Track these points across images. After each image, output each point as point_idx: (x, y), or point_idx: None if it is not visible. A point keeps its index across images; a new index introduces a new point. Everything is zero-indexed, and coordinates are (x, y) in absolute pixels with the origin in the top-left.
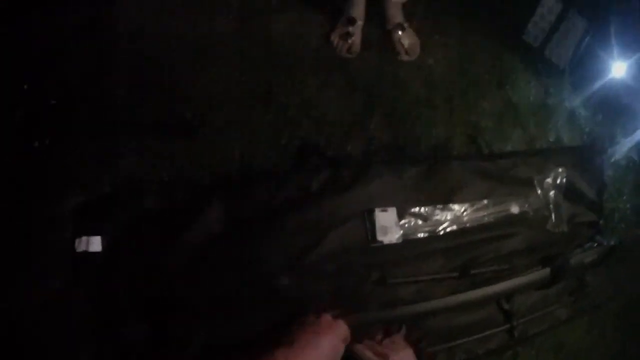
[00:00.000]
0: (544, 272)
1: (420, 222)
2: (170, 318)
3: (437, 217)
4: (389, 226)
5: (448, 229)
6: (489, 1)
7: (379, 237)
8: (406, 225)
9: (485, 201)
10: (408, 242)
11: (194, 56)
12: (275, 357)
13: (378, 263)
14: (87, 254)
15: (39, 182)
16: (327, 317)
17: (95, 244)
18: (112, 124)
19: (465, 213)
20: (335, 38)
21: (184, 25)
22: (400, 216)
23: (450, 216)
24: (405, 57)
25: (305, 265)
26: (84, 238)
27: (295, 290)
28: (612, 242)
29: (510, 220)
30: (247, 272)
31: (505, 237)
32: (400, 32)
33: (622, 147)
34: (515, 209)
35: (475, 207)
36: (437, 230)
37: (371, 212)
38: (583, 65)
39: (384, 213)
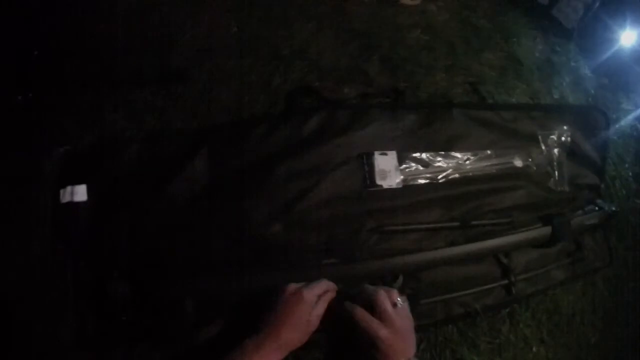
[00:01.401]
0: (544, 230)
1: (420, 167)
2: (156, 275)
3: (438, 164)
4: (389, 170)
5: (449, 177)
6: None
7: (378, 181)
8: (406, 170)
9: (488, 151)
10: (407, 188)
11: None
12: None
13: (375, 210)
14: (71, 206)
15: (22, 136)
16: (289, 290)
17: (80, 193)
18: (97, 75)
19: (466, 162)
20: None
21: None
22: (400, 161)
23: (452, 164)
24: (406, 1)
25: (296, 213)
26: (69, 188)
27: (285, 240)
28: (613, 208)
29: (512, 173)
30: (235, 224)
31: (507, 189)
32: None
33: (627, 114)
34: (517, 162)
35: (477, 156)
36: (438, 178)
37: (370, 155)
38: (592, 29)
39: (383, 156)
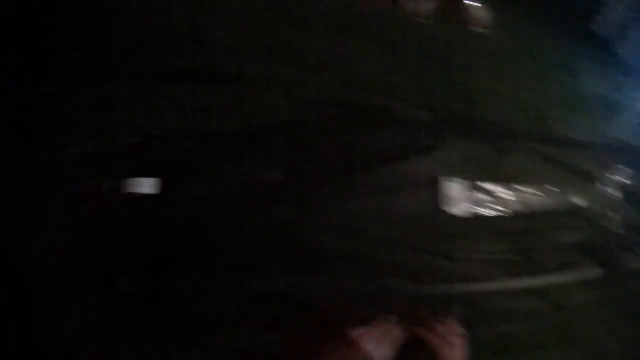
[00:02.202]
0: (597, 271)
1: (486, 197)
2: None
3: (503, 196)
4: (456, 197)
5: (512, 209)
6: None
7: (446, 207)
8: (473, 198)
9: (548, 187)
10: (471, 216)
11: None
12: None
13: (440, 235)
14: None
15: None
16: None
17: (139, 185)
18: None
19: (528, 196)
20: (405, 1)
21: None
22: (468, 189)
23: (515, 197)
24: (476, 29)
25: (365, 229)
26: (128, 179)
27: (350, 253)
28: None
29: (571, 211)
30: (296, 228)
31: (564, 227)
32: (472, 3)
33: None
34: (576, 200)
35: (538, 191)
36: (501, 209)
37: (440, 181)
38: None
39: (452, 183)
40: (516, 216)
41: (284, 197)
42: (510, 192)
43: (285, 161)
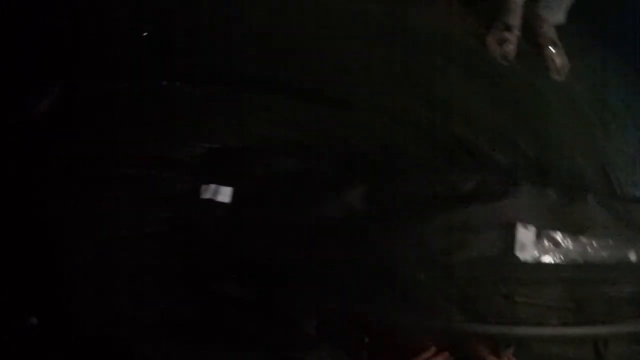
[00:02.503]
0: None
1: (552, 246)
2: (280, 287)
3: (568, 246)
4: (527, 243)
5: (574, 260)
6: (631, 35)
7: (517, 252)
8: (541, 246)
9: (610, 241)
10: (538, 263)
11: (344, 31)
12: None
13: (507, 278)
14: (208, 203)
15: (164, 124)
16: None
17: (224, 194)
18: (256, 80)
19: (591, 248)
20: (491, 41)
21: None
22: (537, 236)
23: (578, 248)
24: (554, 75)
25: (442, 266)
26: (213, 186)
27: (427, 288)
28: None
29: (626, 267)
30: (380, 258)
31: (618, 281)
32: (552, 50)
33: None
34: (632, 257)
35: (600, 244)
36: (561, 257)
37: (514, 227)
38: None
39: (524, 230)
40: (574, 265)
41: (373, 226)
42: (573, 242)
43: (377, 188)
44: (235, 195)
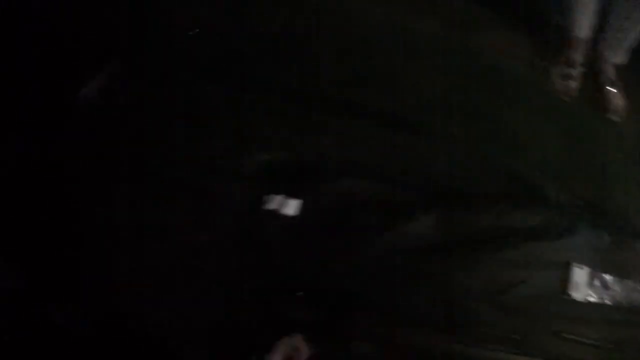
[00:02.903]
0: None
1: (601, 287)
2: (344, 312)
3: (616, 289)
4: (581, 283)
5: (620, 303)
6: None
7: (570, 291)
8: (592, 286)
9: None
10: (588, 303)
11: (421, 59)
12: None
13: (559, 316)
14: (273, 215)
15: (233, 133)
16: None
17: (291, 206)
18: (332, 100)
19: (635, 292)
20: (556, 76)
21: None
22: (590, 277)
23: (625, 292)
24: (611, 116)
25: (503, 301)
26: (280, 197)
27: (483, 320)
28: None
29: None
30: (442, 286)
31: None
32: (611, 89)
33: None
34: None
35: None
36: (612, 301)
37: (570, 266)
38: None
39: (579, 270)
40: (619, 307)
41: (437, 257)
42: (623, 287)
43: (448, 217)
44: (303, 211)
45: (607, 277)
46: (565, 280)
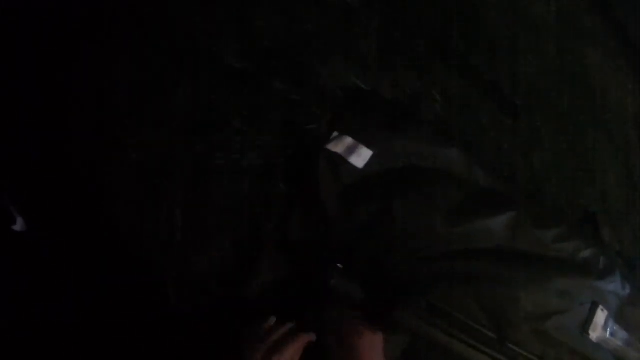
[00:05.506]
0: None
1: (611, 337)
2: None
3: (621, 336)
4: (600, 325)
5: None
6: None
7: (590, 331)
8: (607, 332)
9: None
10: (598, 346)
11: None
12: None
13: (576, 353)
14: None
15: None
16: None
17: (361, 156)
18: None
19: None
20: None
21: None
22: (606, 321)
23: (625, 344)
24: None
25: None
26: (349, 140)
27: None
28: None
29: None
30: (499, 298)
31: None
32: None
33: None
34: None
35: None
36: (617, 349)
37: (597, 307)
38: None
39: (603, 312)
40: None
41: (503, 264)
42: (631, 343)
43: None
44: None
45: (619, 327)
46: (589, 319)
